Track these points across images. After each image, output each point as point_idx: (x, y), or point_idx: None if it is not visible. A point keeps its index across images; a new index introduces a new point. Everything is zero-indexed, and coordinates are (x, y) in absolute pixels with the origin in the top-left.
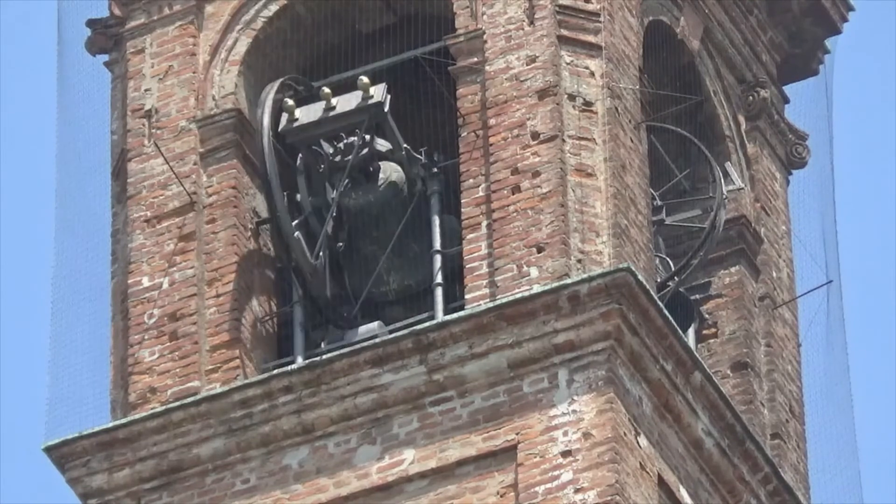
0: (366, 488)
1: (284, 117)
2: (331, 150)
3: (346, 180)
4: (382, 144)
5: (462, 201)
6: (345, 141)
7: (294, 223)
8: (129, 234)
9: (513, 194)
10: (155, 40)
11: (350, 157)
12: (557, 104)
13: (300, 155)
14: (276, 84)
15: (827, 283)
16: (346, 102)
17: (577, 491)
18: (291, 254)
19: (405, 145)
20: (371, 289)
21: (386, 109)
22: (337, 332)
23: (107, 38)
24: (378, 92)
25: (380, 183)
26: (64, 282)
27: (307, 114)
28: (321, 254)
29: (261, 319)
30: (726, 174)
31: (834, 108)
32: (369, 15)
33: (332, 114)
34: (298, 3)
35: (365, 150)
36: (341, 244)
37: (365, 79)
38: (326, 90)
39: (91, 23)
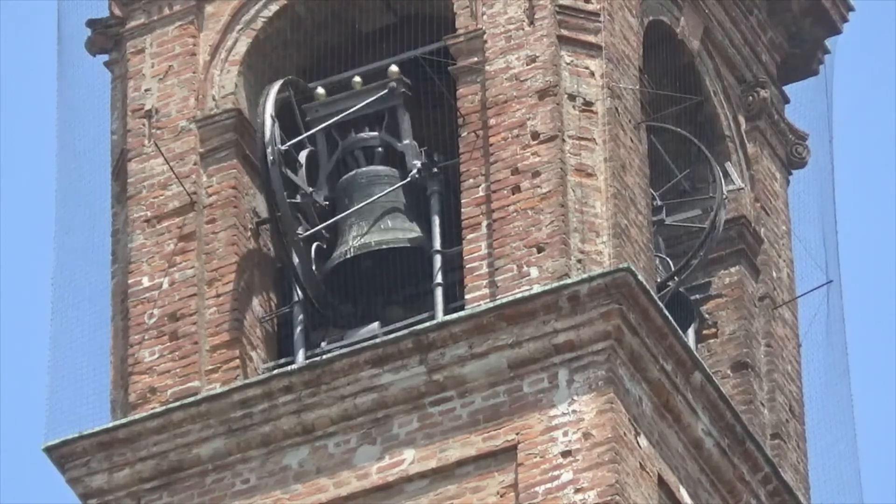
0: (366, 488)
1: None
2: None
3: (347, 165)
4: (390, 138)
5: (462, 201)
6: (355, 133)
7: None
8: (129, 234)
9: (513, 194)
10: (155, 40)
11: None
12: (557, 104)
13: (308, 149)
14: (278, 83)
15: (827, 283)
16: (370, 87)
17: (577, 491)
18: (271, 185)
19: (412, 140)
20: (334, 253)
21: (404, 90)
22: (337, 332)
23: (107, 38)
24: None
25: (379, 162)
26: (64, 282)
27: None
28: (299, 195)
29: (261, 319)
30: (726, 174)
31: (834, 108)
32: (369, 15)
33: (352, 91)
34: (298, 3)
35: (372, 137)
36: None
37: (395, 68)
38: (357, 79)
39: (91, 23)
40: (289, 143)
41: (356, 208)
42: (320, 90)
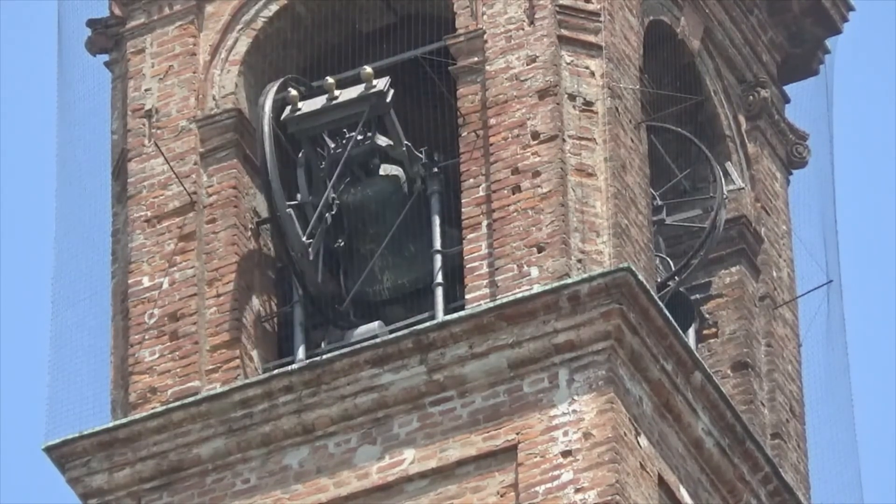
0: (366, 488)
1: (288, 109)
2: (332, 145)
3: (346, 177)
4: (383, 140)
5: (462, 201)
6: (347, 136)
7: (288, 204)
8: (129, 234)
9: (513, 194)
10: (155, 40)
11: (349, 148)
12: (557, 104)
13: (302, 152)
14: (278, 83)
15: (827, 283)
16: (349, 93)
17: (577, 491)
18: (283, 231)
19: (406, 142)
20: (365, 287)
21: (388, 100)
22: (337, 332)
23: (107, 38)
24: (381, 83)
25: (379, 175)
26: (64, 282)
27: (310, 105)
28: (315, 240)
29: (261, 319)
30: (726, 174)
31: (834, 108)
32: (369, 15)
33: (334, 103)
34: (298, 3)
35: (366, 143)
36: (341, 242)
37: (368, 69)
38: (330, 80)
39: (91, 23)
40: (308, 234)
41: (378, 255)
42: (293, 92)
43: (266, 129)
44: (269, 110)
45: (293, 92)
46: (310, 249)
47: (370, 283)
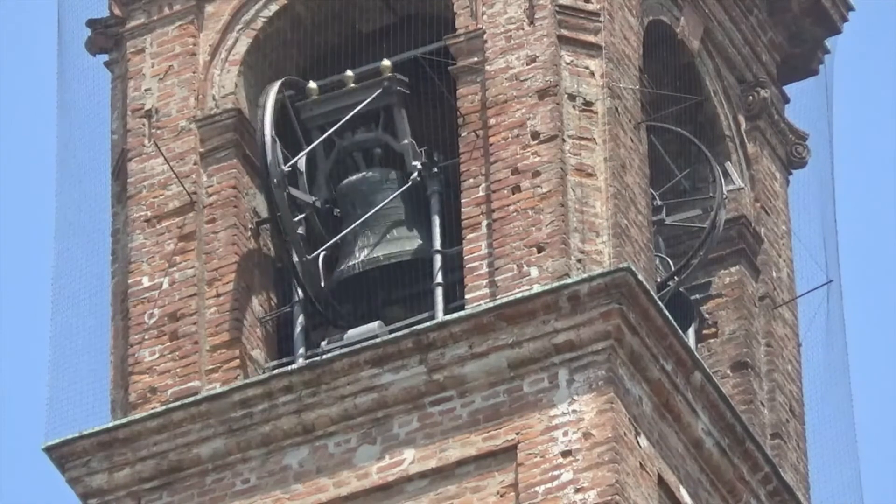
0: (366, 488)
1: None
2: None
3: (347, 164)
4: (388, 135)
5: (462, 201)
6: (354, 127)
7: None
8: (129, 234)
9: (513, 194)
10: (155, 40)
11: (350, 117)
12: (557, 104)
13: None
14: (278, 83)
15: (827, 283)
16: (363, 82)
17: (577, 491)
18: (272, 184)
19: (410, 139)
20: (341, 265)
21: (398, 89)
22: (337, 332)
23: (107, 38)
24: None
25: (379, 166)
26: (64, 282)
27: (324, 91)
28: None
29: (261, 319)
30: (726, 174)
31: (834, 108)
32: (369, 15)
33: (345, 89)
34: (298, 3)
35: (370, 133)
36: (339, 241)
37: (387, 62)
38: (349, 73)
39: (91, 23)
40: (290, 164)
41: (359, 222)
42: (312, 85)
43: (270, 99)
44: (274, 92)
45: (312, 85)
46: (289, 190)
47: (348, 260)
